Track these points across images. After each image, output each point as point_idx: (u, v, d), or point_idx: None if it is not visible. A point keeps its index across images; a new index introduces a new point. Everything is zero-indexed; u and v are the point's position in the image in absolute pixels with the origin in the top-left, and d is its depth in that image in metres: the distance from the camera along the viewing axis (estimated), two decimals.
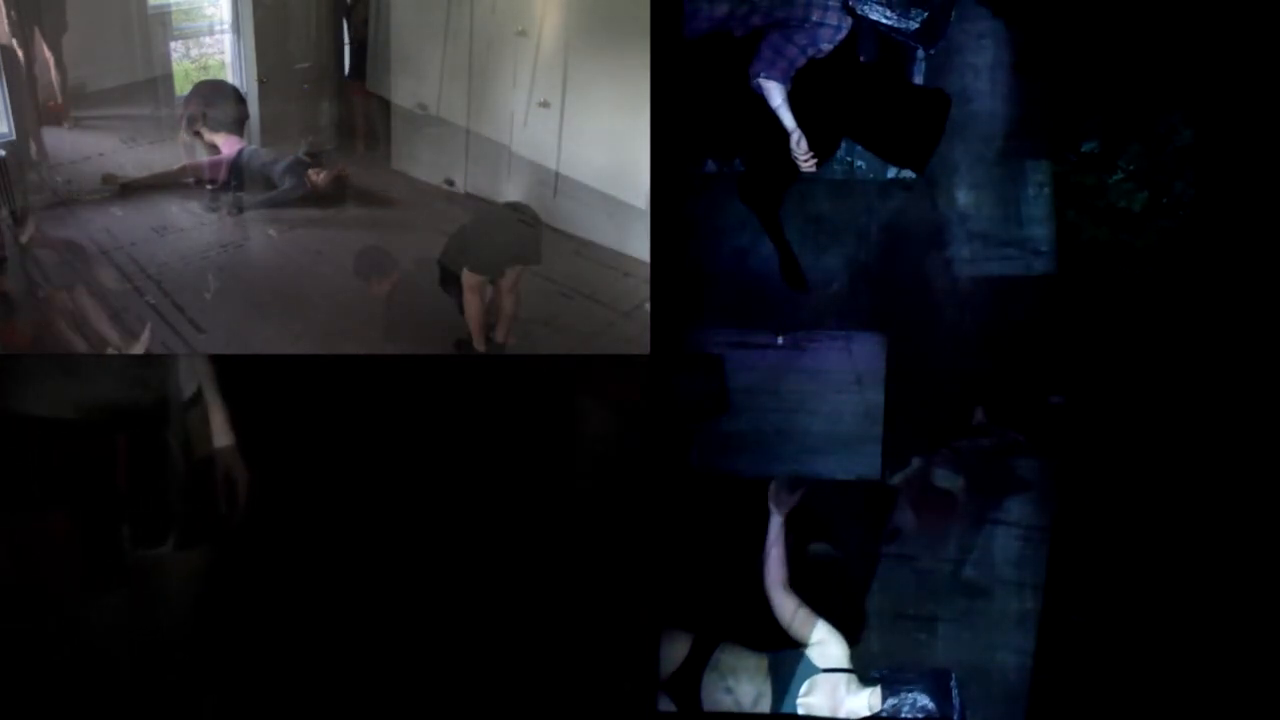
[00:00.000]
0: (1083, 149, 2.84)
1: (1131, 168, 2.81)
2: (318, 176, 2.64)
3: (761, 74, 2.65)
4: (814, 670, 2.66)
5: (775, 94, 2.67)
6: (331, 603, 2.55)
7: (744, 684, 2.69)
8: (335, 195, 2.68)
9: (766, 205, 2.90)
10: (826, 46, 2.65)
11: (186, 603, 2.53)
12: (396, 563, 2.53)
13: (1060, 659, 2.86)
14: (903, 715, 2.62)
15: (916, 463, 2.99)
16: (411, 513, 2.53)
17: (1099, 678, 2.82)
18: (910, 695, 2.64)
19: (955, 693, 2.67)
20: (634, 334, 2.49)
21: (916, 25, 2.61)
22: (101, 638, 2.44)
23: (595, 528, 2.59)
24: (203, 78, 2.63)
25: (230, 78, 2.69)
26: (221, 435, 2.46)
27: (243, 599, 2.56)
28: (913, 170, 2.85)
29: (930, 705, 2.63)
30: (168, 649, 2.53)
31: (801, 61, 2.65)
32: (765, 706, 2.69)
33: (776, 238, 2.90)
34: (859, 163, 2.92)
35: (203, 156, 2.65)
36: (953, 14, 2.69)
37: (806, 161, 2.72)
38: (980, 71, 2.82)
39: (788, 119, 2.69)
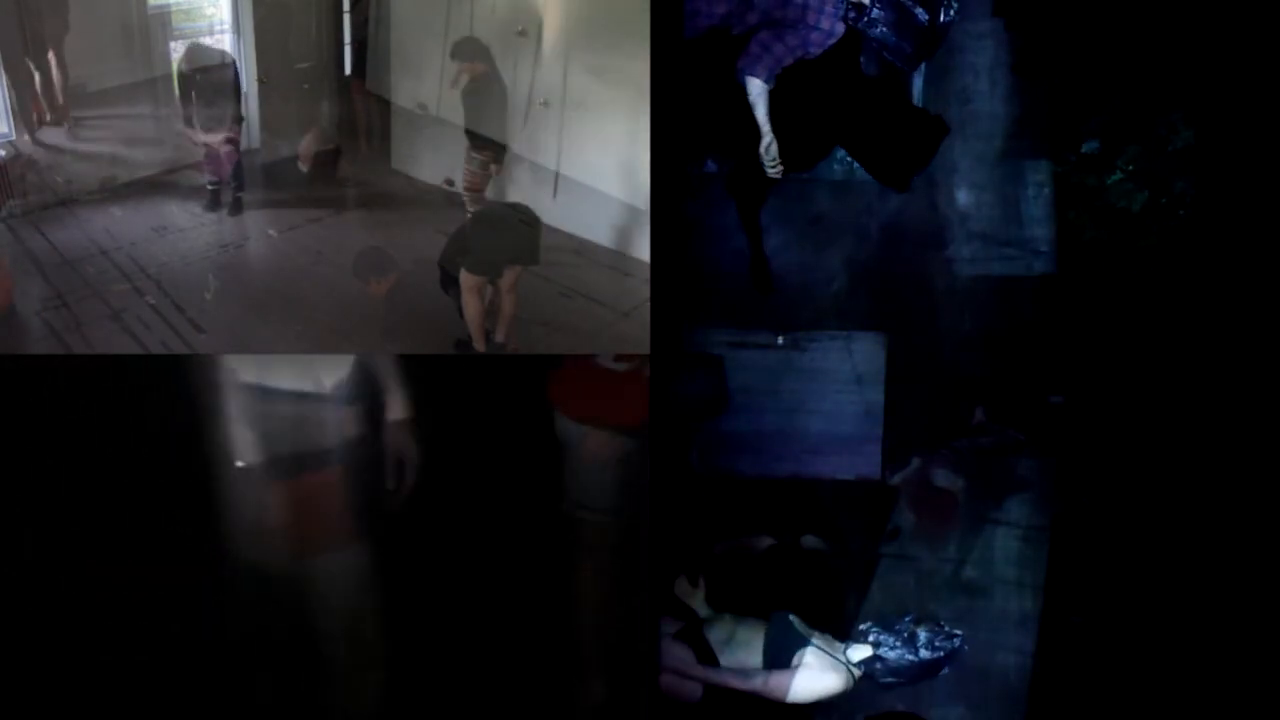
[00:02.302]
0: (1083, 149, 2.85)
1: (1131, 168, 2.82)
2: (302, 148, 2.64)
3: (746, 70, 2.64)
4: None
5: (756, 91, 2.65)
6: (331, 603, 2.55)
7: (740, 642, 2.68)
8: (327, 173, 2.67)
9: (748, 201, 2.89)
10: (815, 50, 2.63)
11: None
12: (396, 563, 2.53)
13: (1060, 659, 2.86)
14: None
15: (916, 463, 2.99)
16: (411, 513, 2.53)
17: (1099, 678, 2.82)
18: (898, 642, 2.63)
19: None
20: (634, 334, 2.49)
21: (909, 50, 2.59)
22: None
23: (594, 527, 2.59)
24: (203, 78, 2.62)
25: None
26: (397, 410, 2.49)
27: (242, 599, 2.56)
28: (894, 188, 2.84)
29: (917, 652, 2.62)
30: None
31: (789, 61, 2.64)
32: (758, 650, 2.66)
33: (752, 235, 2.89)
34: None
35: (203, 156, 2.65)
36: (939, 45, 2.69)
37: (773, 167, 2.70)
38: (980, 72, 2.83)
39: (762, 119, 2.66)
